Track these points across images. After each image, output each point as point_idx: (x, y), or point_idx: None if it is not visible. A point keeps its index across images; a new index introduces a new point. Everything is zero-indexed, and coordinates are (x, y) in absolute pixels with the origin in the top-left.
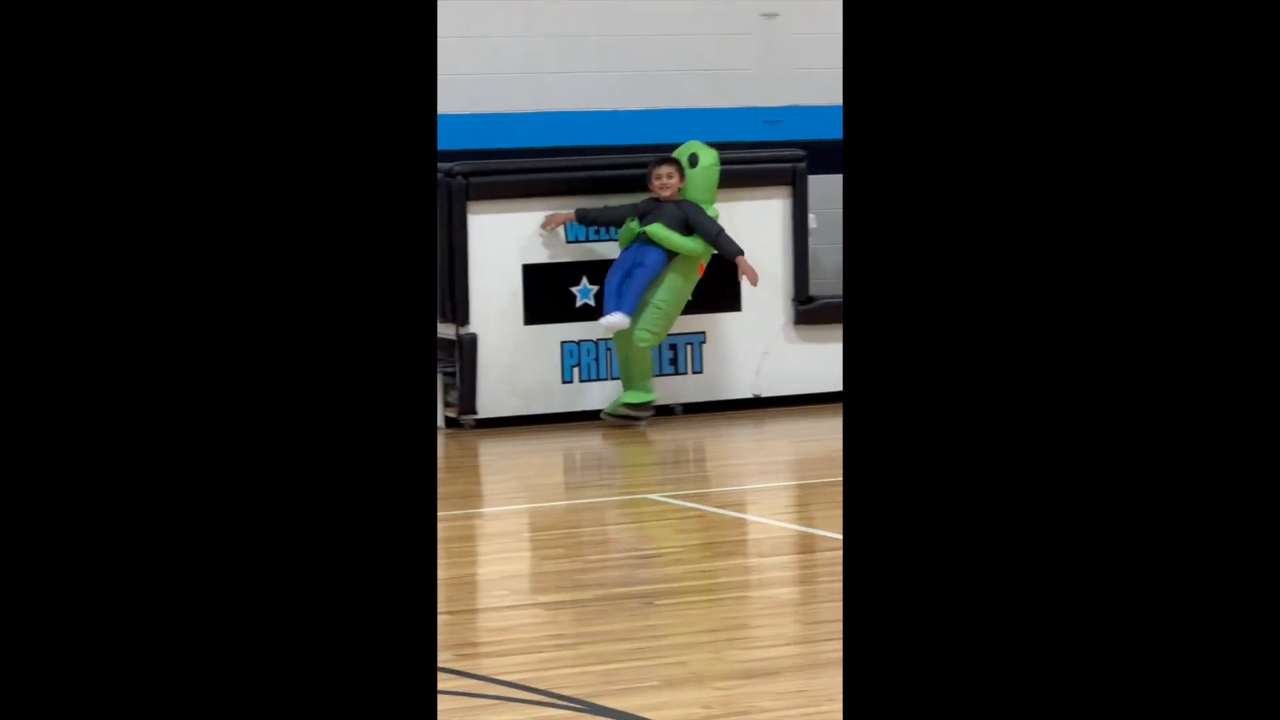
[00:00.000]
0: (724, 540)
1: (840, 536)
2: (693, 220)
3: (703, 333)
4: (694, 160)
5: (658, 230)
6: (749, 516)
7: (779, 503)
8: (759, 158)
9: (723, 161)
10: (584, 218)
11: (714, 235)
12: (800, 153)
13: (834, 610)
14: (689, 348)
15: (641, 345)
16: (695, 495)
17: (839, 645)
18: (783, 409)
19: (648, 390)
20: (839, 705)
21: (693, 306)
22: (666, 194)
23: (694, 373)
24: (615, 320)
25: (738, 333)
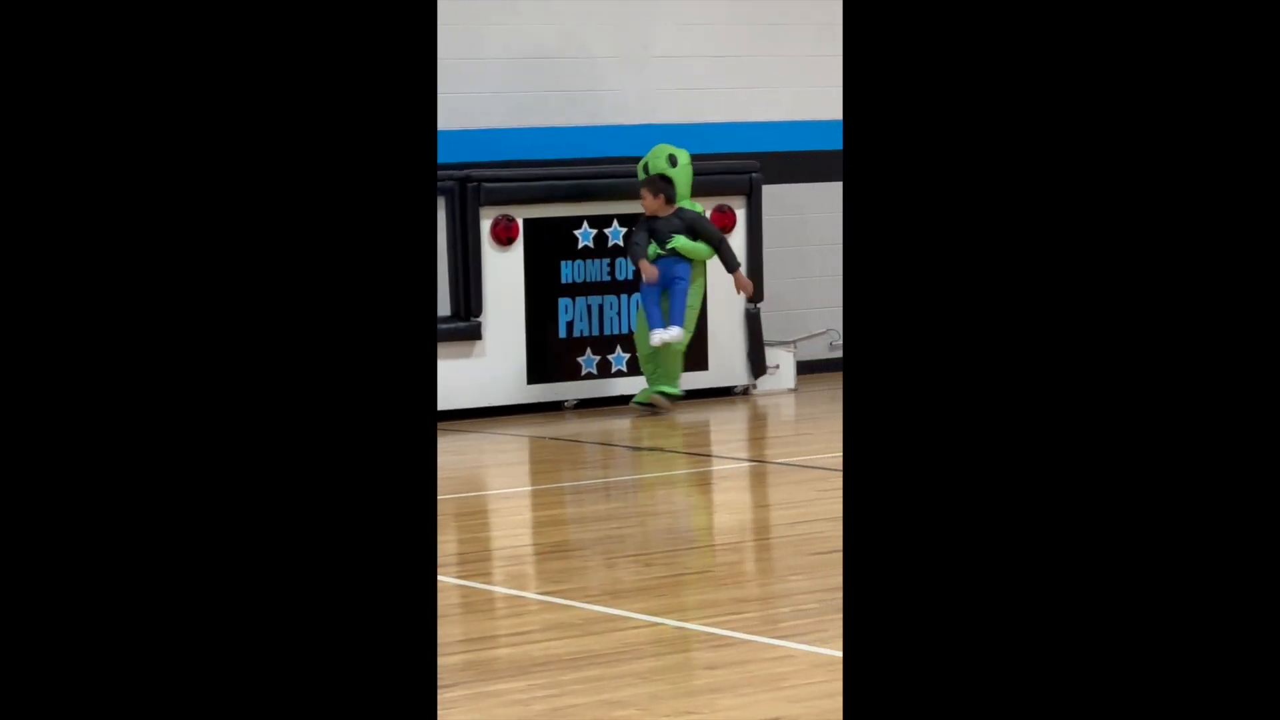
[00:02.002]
0: None
1: None
2: (698, 228)
3: None
4: (673, 160)
5: (684, 244)
6: None
7: None
8: None
9: None
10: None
11: (718, 244)
12: None
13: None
14: None
15: (677, 348)
16: None
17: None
18: None
19: (677, 386)
20: None
21: None
22: (654, 210)
23: None
24: (675, 334)
25: None
